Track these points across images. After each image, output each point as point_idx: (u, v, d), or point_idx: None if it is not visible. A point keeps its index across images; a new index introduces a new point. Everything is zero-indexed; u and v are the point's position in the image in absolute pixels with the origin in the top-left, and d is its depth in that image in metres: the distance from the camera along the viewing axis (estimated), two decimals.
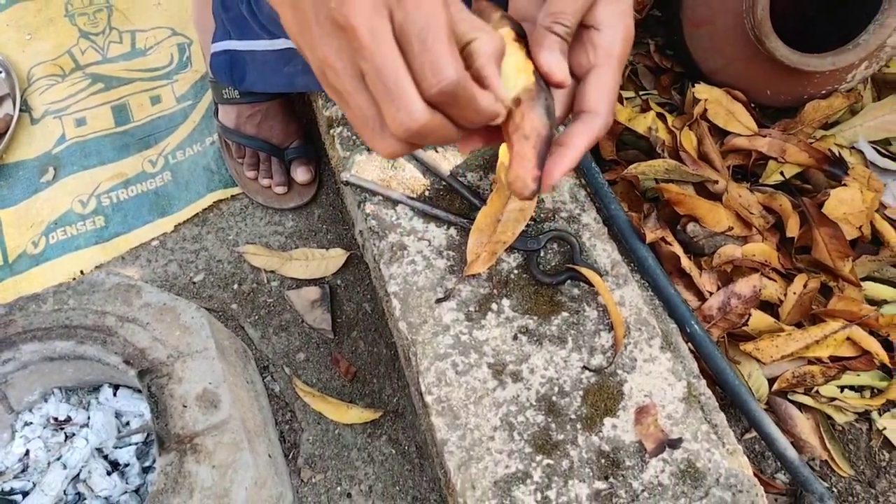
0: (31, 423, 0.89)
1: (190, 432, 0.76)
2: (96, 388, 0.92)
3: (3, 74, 1.25)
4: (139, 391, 0.91)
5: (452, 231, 0.84)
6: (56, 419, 0.88)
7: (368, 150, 0.90)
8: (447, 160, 0.89)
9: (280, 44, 0.91)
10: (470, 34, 0.42)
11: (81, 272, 1.09)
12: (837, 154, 0.96)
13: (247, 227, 1.13)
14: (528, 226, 0.83)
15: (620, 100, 1.01)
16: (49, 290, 0.85)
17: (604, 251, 0.83)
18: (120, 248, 1.11)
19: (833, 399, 0.89)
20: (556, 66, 0.46)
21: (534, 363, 0.77)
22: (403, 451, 0.96)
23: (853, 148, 0.99)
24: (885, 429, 0.90)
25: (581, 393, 0.76)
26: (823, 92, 0.99)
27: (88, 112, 1.23)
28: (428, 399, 0.76)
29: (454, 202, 0.86)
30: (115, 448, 0.88)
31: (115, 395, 0.91)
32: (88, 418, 0.89)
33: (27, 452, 0.88)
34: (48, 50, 1.31)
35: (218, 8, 1.01)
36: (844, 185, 0.92)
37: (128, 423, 0.91)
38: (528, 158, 0.46)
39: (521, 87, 0.45)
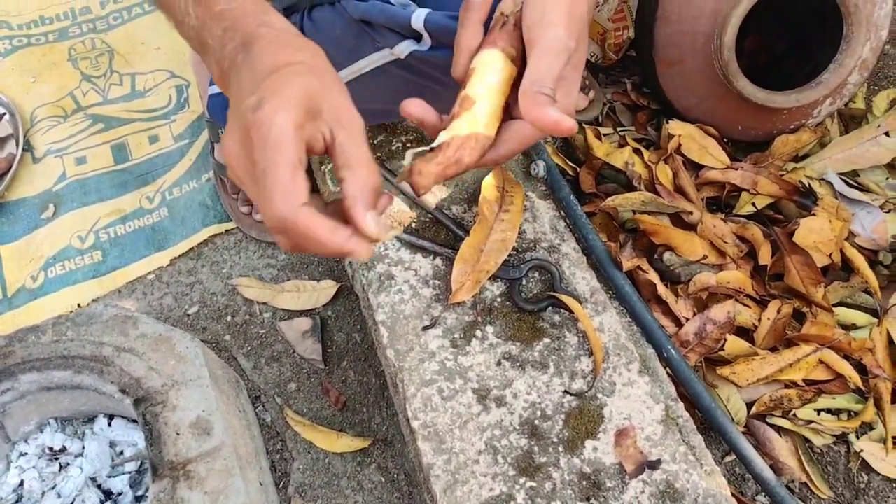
0: (27, 453, 0.90)
1: (183, 459, 0.78)
2: (91, 419, 0.94)
3: (7, 116, 1.29)
4: (134, 421, 0.93)
5: (438, 261, 0.88)
6: (51, 449, 0.90)
7: None
8: (433, 194, 0.93)
9: None
10: (341, 171, 0.46)
11: (79, 305, 1.12)
12: (807, 185, 1.00)
13: (240, 261, 1.17)
14: (510, 255, 0.86)
15: (599, 136, 1.06)
16: (48, 322, 0.88)
17: (583, 279, 0.86)
18: (117, 282, 1.14)
19: (810, 422, 0.92)
20: (562, 119, 0.49)
21: (517, 388, 0.80)
22: (392, 479, 0.98)
23: (822, 179, 1.03)
24: (862, 451, 0.92)
25: (563, 416, 0.78)
26: (792, 127, 1.04)
27: (89, 151, 1.28)
28: (415, 424, 0.78)
29: (440, 234, 0.89)
30: (109, 477, 0.90)
31: (109, 425, 0.94)
32: (83, 448, 0.91)
33: (21, 483, 0.89)
34: (51, 92, 1.35)
35: None
36: (814, 214, 0.96)
37: (121, 453, 0.93)
38: (445, 175, 0.50)
39: (484, 133, 0.51)
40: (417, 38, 0.70)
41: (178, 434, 0.79)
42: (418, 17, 0.67)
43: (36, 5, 1.49)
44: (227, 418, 0.84)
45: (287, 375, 1.06)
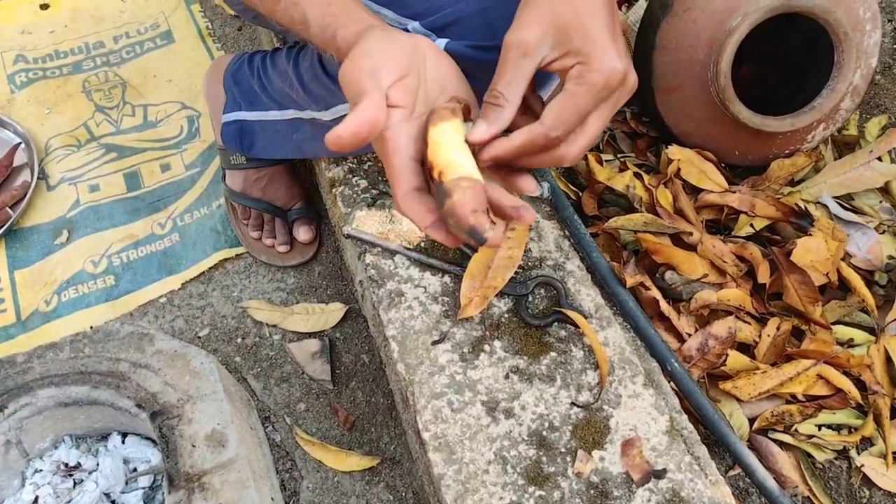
0: (41, 469, 0.92)
1: (199, 470, 0.80)
2: (105, 437, 0.96)
3: (22, 145, 1.32)
4: (148, 438, 0.95)
5: (446, 279, 0.90)
6: (66, 465, 0.91)
7: (368, 206, 0.97)
8: None
9: (289, 114, 0.99)
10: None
11: (91, 328, 1.13)
12: (803, 208, 1.03)
13: (250, 284, 1.19)
14: (516, 272, 0.89)
15: (600, 161, 1.09)
16: (66, 339, 0.90)
17: (588, 296, 0.89)
18: (129, 305, 1.16)
19: (812, 437, 0.93)
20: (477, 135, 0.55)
21: (525, 400, 0.82)
22: (401, 498, 0.99)
23: (818, 203, 1.07)
24: (863, 466, 0.94)
25: (570, 428, 0.80)
26: (787, 151, 1.07)
27: (102, 179, 1.31)
28: (425, 436, 0.80)
29: (448, 252, 0.92)
30: (123, 493, 0.91)
31: (123, 442, 0.95)
32: (97, 464, 0.92)
33: (36, 499, 0.90)
34: (65, 123, 1.39)
35: (229, 82, 1.10)
36: (810, 234, 0.99)
37: (135, 469, 0.94)
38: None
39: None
40: None
41: (193, 446, 0.81)
42: (438, 46, 0.71)
43: (51, 40, 1.54)
44: (240, 432, 0.85)
45: (296, 396, 1.08)
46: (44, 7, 1.60)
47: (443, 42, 0.73)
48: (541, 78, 0.68)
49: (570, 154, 0.56)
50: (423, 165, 0.54)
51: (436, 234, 0.53)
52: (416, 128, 0.55)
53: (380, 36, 0.56)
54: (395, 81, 0.54)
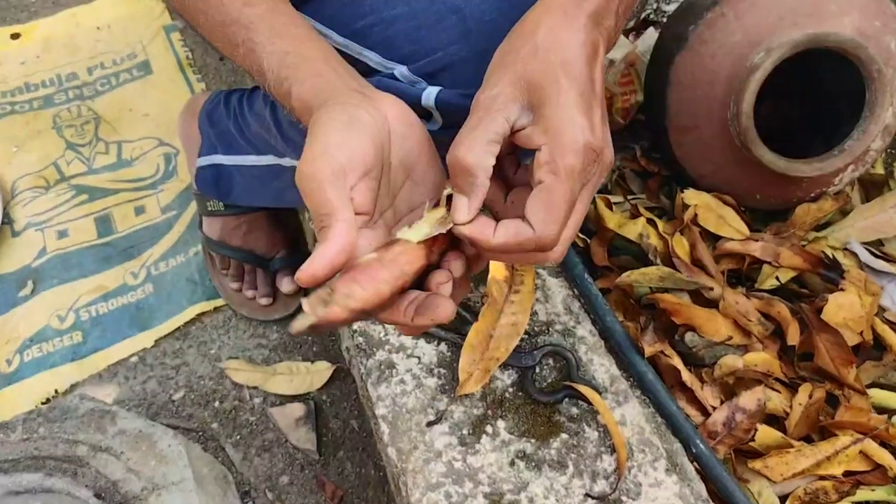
0: None
1: None
2: None
3: None
4: None
5: (443, 347, 0.81)
6: None
7: None
8: None
9: (268, 160, 0.90)
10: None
11: (56, 391, 1.04)
12: (831, 257, 0.94)
13: (230, 341, 1.10)
14: (521, 340, 0.80)
15: (610, 205, 1.00)
16: (19, 418, 0.81)
17: (601, 366, 0.80)
18: (98, 365, 1.07)
19: None
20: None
21: (533, 491, 0.72)
22: None
23: (846, 249, 0.98)
24: None
25: None
26: (812, 195, 0.99)
27: (71, 224, 1.22)
28: None
29: None
30: None
31: None
32: None
33: None
34: (34, 162, 1.30)
35: (205, 123, 1.01)
36: (842, 289, 0.90)
37: None
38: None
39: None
40: (427, 116, 0.65)
41: None
42: (429, 95, 0.62)
43: (22, 72, 1.45)
44: None
45: (279, 467, 0.98)
46: (14, 37, 1.51)
47: (434, 90, 0.64)
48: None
49: (557, 253, 0.49)
50: None
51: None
52: (378, 235, 0.49)
53: (340, 122, 0.48)
54: (358, 181, 0.46)
